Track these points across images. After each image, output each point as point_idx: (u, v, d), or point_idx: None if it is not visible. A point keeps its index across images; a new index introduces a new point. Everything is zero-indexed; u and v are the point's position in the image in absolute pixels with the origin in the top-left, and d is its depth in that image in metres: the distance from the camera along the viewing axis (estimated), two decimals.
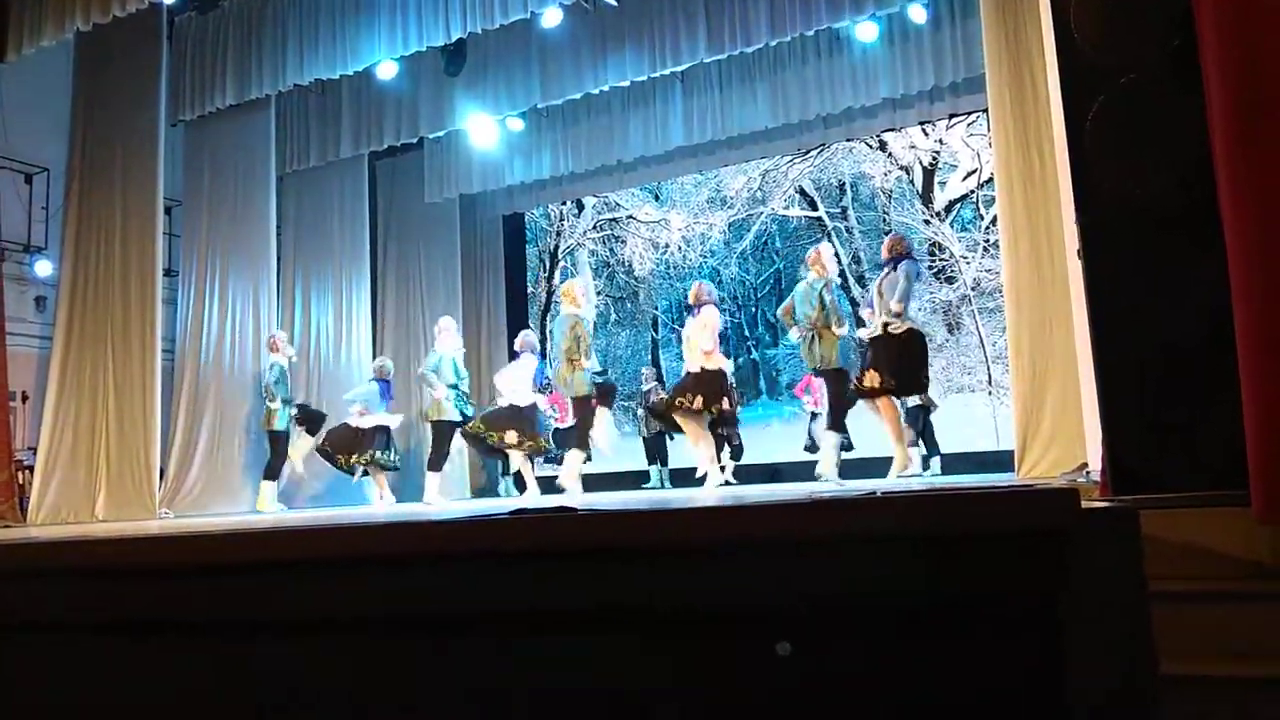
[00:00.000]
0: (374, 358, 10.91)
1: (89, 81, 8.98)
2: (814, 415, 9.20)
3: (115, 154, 8.87)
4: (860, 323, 7.63)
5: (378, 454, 8.71)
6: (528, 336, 8.78)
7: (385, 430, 8.86)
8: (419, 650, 2.10)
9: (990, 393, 9.76)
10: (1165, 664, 1.88)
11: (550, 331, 8.35)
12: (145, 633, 2.34)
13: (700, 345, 7.05)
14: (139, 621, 2.35)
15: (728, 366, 7.46)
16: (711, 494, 6.53)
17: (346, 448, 8.71)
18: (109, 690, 2.36)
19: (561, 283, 9.31)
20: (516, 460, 8.55)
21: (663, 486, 10.07)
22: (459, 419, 8.35)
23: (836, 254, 9.17)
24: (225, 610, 2.27)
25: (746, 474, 9.50)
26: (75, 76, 9.01)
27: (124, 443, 8.50)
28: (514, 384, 8.35)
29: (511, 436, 8.07)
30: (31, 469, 8.50)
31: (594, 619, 1.98)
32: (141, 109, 8.83)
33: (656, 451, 10.32)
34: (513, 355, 11.04)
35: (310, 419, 9.07)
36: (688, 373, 7.19)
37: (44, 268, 9.33)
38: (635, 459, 10.36)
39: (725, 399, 7.10)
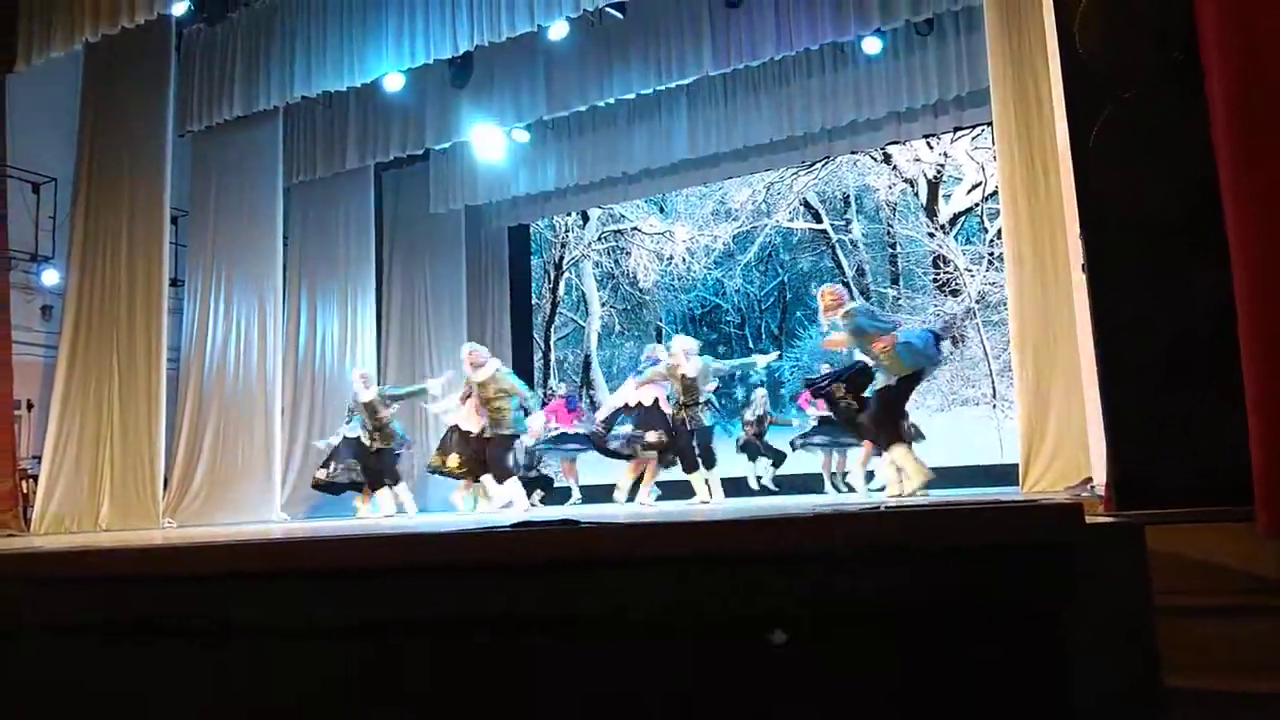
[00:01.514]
0: (379, 367, 10.92)
1: (97, 92, 9.03)
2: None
3: (123, 164, 8.90)
4: None
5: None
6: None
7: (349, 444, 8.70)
8: (424, 656, 2.10)
9: (994, 405, 9.75)
10: (1169, 677, 1.87)
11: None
12: (150, 639, 2.34)
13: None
14: (144, 628, 2.35)
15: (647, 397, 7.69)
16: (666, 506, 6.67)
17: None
18: (112, 694, 2.36)
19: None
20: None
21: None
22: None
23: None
24: (229, 618, 2.27)
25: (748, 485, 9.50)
26: (84, 87, 9.05)
27: (128, 452, 8.50)
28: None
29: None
30: (36, 478, 8.50)
31: (597, 627, 1.98)
32: (149, 120, 8.86)
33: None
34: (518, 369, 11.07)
35: None
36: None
37: (50, 277, 9.36)
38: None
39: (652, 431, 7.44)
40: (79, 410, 8.60)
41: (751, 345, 11.16)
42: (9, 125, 8.29)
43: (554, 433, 9.94)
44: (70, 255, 8.91)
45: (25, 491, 8.32)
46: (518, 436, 8.17)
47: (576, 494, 9.98)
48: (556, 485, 10.13)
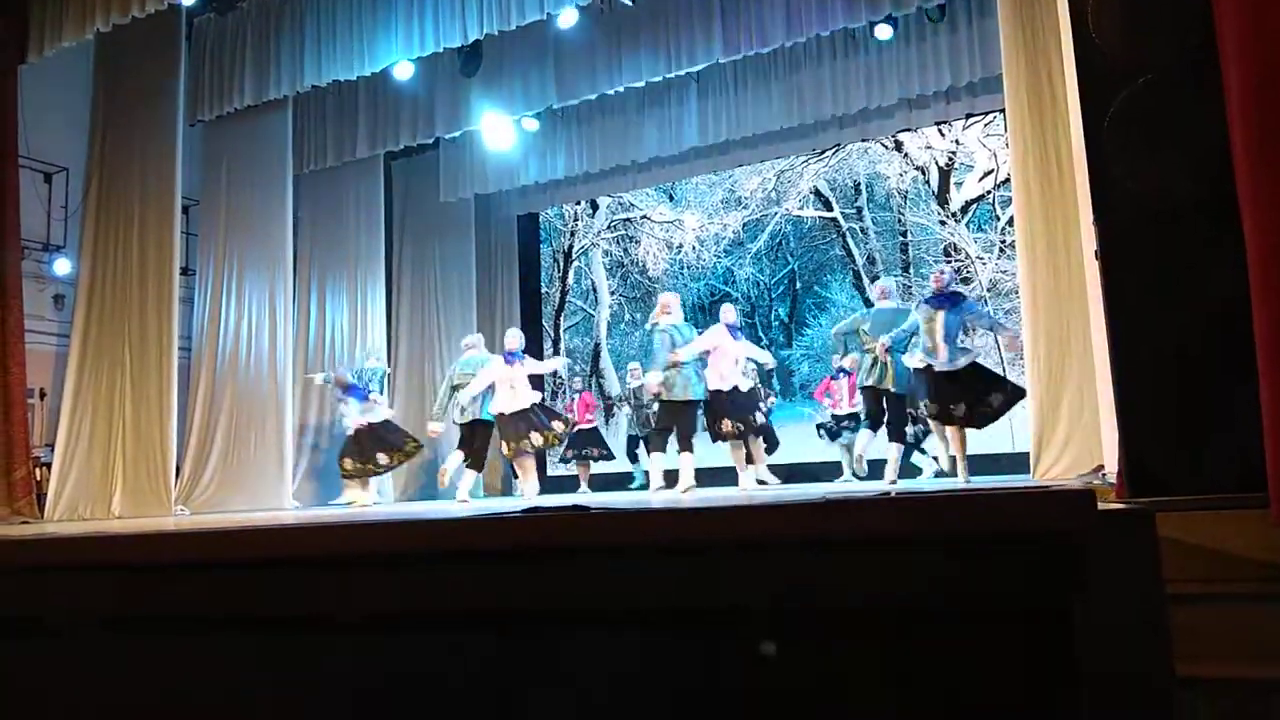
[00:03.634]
0: (389, 356, 10.93)
1: (108, 82, 9.05)
2: (836, 419, 9.12)
3: (134, 154, 8.94)
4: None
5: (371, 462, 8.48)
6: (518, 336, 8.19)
7: (372, 429, 8.53)
8: (436, 645, 2.10)
9: None
10: (1181, 666, 1.87)
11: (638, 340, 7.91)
12: (161, 628, 2.36)
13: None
14: (155, 617, 2.36)
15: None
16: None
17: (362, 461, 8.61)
18: (124, 684, 2.37)
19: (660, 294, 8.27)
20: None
21: (645, 486, 10.02)
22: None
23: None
24: (241, 606, 2.28)
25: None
26: (95, 77, 9.08)
27: (140, 440, 8.56)
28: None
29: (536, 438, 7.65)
30: (49, 466, 8.56)
31: (608, 616, 1.98)
32: (160, 109, 8.89)
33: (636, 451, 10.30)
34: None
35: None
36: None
37: (62, 266, 9.40)
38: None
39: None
40: (91, 398, 8.66)
41: (761, 334, 11.14)
42: (21, 116, 8.32)
43: (575, 431, 9.95)
44: (82, 244, 8.95)
45: (38, 479, 8.38)
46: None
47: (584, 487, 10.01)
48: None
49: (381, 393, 8.93)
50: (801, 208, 11.23)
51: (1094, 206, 2.76)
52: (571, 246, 12.58)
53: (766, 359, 7.52)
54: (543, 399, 8.57)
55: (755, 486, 7.31)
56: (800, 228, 11.23)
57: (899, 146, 10.64)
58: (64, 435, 8.53)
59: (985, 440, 9.16)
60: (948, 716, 1.83)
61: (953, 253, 10.28)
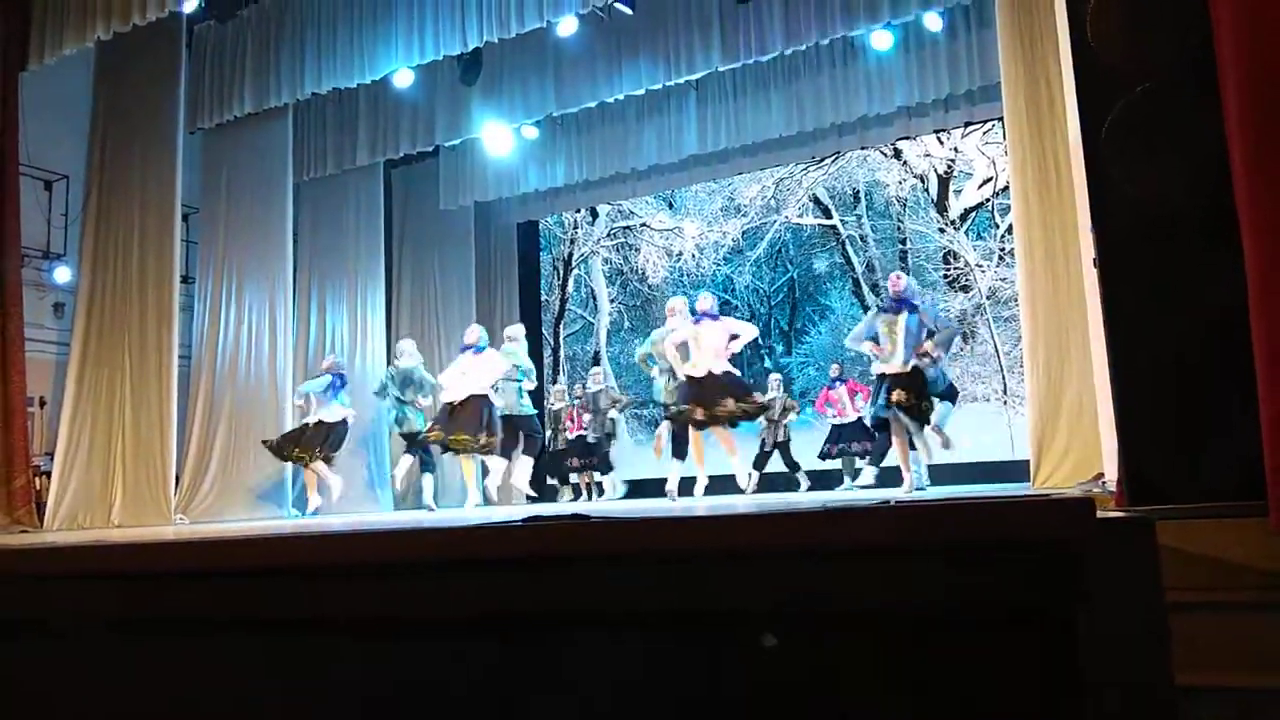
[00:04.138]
0: (388, 364, 10.92)
1: (109, 89, 9.06)
2: (838, 427, 9.16)
3: (134, 161, 8.94)
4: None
5: (319, 450, 8.52)
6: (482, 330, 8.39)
7: (334, 426, 8.62)
8: (431, 654, 2.10)
9: (1005, 402, 9.72)
10: (1182, 675, 1.86)
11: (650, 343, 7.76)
12: (161, 637, 2.36)
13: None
14: (155, 626, 2.36)
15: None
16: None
17: (293, 442, 8.62)
18: (125, 695, 2.37)
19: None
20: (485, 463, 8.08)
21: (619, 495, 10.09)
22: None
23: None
24: (239, 615, 2.28)
25: (762, 481, 9.49)
26: (95, 84, 9.09)
27: (140, 449, 8.55)
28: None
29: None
30: (48, 474, 8.54)
31: (606, 625, 1.98)
32: (160, 116, 8.90)
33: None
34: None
35: (411, 438, 8.89)
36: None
37: (62, 274, 9.40)
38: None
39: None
40: (91, 407, 8.64)
41: (760, 342, 11.14)
42: (22, 123, 8.33)
43: (575, 438, 9.96)
44: (82, 252, 8.94)
45: (38, 488, 8.36)
46: None
47: (583, 493, 10.05)
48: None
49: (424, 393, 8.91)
50: (801, 215, 11.24)
51: (1092, 214, 2.77)
52: (571, 254, 12.60)
53: (748, 331, 7.25)
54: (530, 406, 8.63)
55: (754, 487, 7.30)
56: (800, 235, 11.25)
57: (898, 154, 10.66)
58: (64, 444, 8.52)
59: (983, 449, 9.19)
60: None
61: (952, 260, 10.30)
